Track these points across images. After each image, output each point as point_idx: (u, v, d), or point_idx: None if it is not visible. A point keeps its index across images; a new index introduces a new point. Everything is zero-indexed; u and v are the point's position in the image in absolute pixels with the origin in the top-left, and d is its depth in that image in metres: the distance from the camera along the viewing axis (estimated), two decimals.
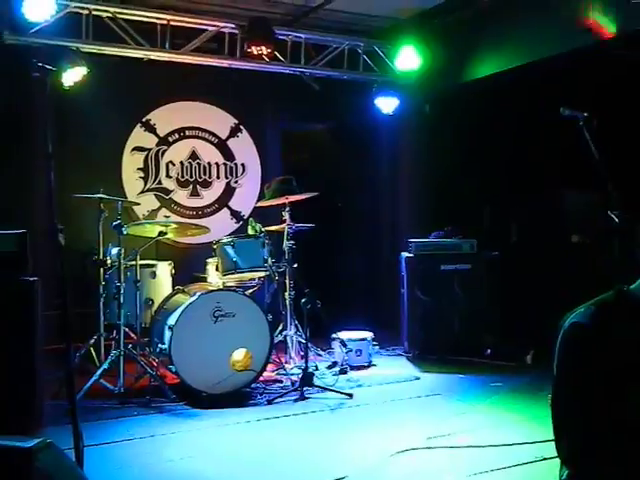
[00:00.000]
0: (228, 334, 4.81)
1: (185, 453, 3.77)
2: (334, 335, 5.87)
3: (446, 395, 4.90)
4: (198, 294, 4.86)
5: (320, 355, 5.85)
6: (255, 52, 6.02)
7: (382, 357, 6.15)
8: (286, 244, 5.53)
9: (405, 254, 6.24)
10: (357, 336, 5.87)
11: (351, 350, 5.69)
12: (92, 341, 5.19)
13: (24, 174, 5.70)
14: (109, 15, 5.74)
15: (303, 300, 4.95)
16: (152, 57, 6.02)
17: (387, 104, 6.97)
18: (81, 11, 5.61)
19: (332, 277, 6.99)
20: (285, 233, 5.53)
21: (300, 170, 7.18)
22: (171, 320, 4.79)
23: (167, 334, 4.76)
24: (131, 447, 3.90)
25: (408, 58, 6.76)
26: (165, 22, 5.92)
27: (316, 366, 5.59)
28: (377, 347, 6.04)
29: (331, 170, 7.47)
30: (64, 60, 5.61)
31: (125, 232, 4.86)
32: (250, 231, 5.41)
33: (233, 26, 6.17)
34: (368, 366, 5.80)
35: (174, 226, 5.23)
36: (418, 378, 5.43)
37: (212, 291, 4.95)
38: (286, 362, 5.50)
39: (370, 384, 5.25)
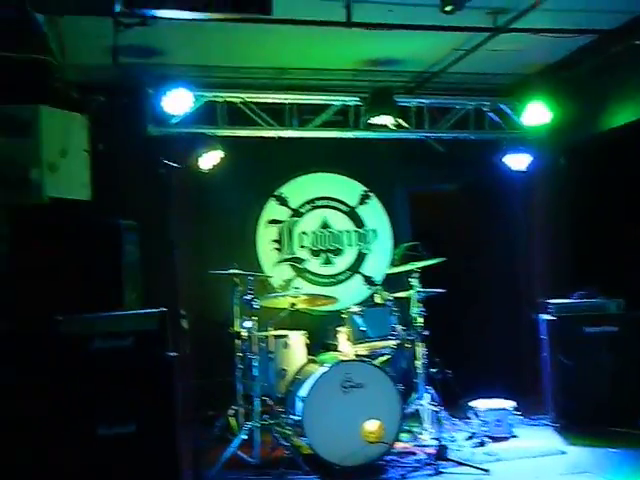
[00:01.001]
0: (358, 405, 4.80)
1: None
2: (471, 404, 5.66)
3: (595, 472, 4.52)
4: (329, 365, 4.91)
5: (457, 425, 5.63)
6: (378, 122, 6.16)
7: (525, 428, 5.78)
8: (415, 311, 5.46)
9: (545, 316, 5.93)
10: (496, 405, 5.61)
11: (487, 422, 5.43)
12: (231, 411, 5.39)
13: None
14: (241, 101, 6.16)
15: (433, 370, 4.84)
16: (282, 135, 6.34)
17: (517, 161, 6.79)
18: (216, 99, 6.06)
19: (467, 343, 6.77)
20: (412, 299, 5.48)
21: (430, 232, 7.14)
22: (303, 391, 4.86)
23: (299, 405, 4.83)
24: None
25: (537, 113, 6.56)
26: (291, 101, 6.25)
27: (452, 437, 5.40)
28: (519, 417, 5.71)
29: (462, 231, 7.34)
30: (202, 146, 6.08)
31: (255, 305, 5.06)
32: (377, 299, 5.42)
33: (357, 99, 6.37)
34: (509, 438, 5.49)
35: (303, 297, 5.37)
36: (564, 452, 5.05)
37: (342, 362, 4.98)
38: (420, 433, 5.36)
39: (510, 458, 4.96)
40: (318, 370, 4.92)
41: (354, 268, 7.08)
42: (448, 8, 4.41)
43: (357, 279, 7.06)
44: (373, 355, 5.43)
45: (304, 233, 6.98)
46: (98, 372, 4.28)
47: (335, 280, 7.02)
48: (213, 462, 4.79)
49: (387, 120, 6.18)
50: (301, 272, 6.90)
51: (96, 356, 4.33)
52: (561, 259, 6.74)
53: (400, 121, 6.44)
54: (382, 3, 4.81)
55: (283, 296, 5.47)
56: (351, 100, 6.41)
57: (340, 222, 7.09)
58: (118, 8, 4.22)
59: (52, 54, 5.17)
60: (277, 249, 6.88)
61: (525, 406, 5.97)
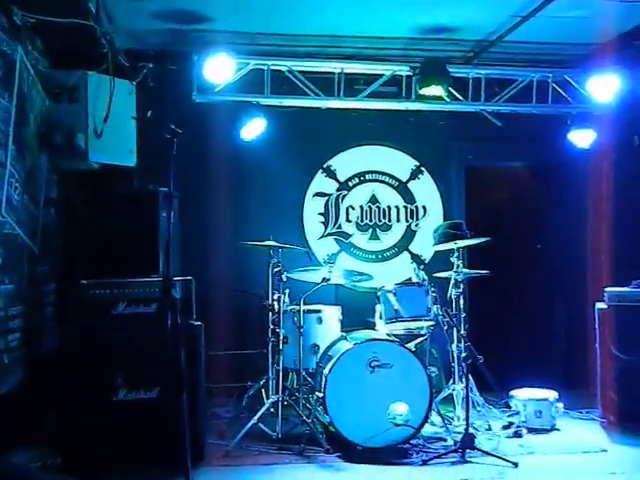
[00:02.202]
0: (385, 386, 4.66)
1: None
2: (511, 392, 5.39)
3: (634, 475, 4.19)
4: (354, 342, 4.78)
5: (494, 413, 5.38)
6: (429, 93, 5.88)
7: (570, 421, 5.45)
8: (454, 292, 5.23)
9: (600, 305, 5.55)
10: (538, 395, 5.31)
11: (526, 412, 5.15)
12: (261, 383, 5.36)
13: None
14: (287, 69, 6.02)
15: (463, 355, 4.62)
16: (329, 106, 6.17)
17: (583, 138, 6.34)
18: (261, 67, 5.95)
19: (510, 328, 6.45)
20: (452, 281, 5.24)
21: (485, 211, 6.83)
22: (326, 368, 4.76)
23: (322, 382, 4.73)
24: None
25: (606, 86, 6.11)
26: (339, 70, 6.05)
27: (489, 426, 5.17)
28: (564, 409, 5.39)
29: (520, 211, 6.97)
30: (247, 115, 6.00)
31: (285, 279, 4.97)
32: (414, 278, 5.21)
33: (408, 69, 6.10)
34: (550, 430, 5.18)
35: (337, 272, 5.23)
36: (605, 450, 4.72)
37: (369, 340, 4.83)
38: (453, 419, 5.16)
39: (545, 452, 4.69)
40: (344, 347, 4.80)
41: (402, 245, 6.87)
42: None
43: (404, 256, 6.84)
44: (408, 335, 5.26)
45: (351, 207, 6.81)
46: (120, 337, 4.33)
47: (381, 257, 6.83)
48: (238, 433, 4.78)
49: (439, 91, 5.88)
50: (346, 247, 6.76)
51: (119, 321, 4.39)
52: (625, 245, 6.26)
53: (453, 92, 6.13)
54: None
55: (314, 270, 5.33)
56: (403, 70, 6.14)
57: (389, 197, 6.87)
58: None
59: (98, 20, 5.18)
60: (323, 222, 6.75)
61: (573, 398, 5.65)
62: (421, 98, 6.08)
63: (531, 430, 5.13)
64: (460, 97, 6.27)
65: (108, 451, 4.18)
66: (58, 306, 5.44)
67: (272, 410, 4.97)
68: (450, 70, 5.90)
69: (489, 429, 5.13)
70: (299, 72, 6.03)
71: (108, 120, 5.43)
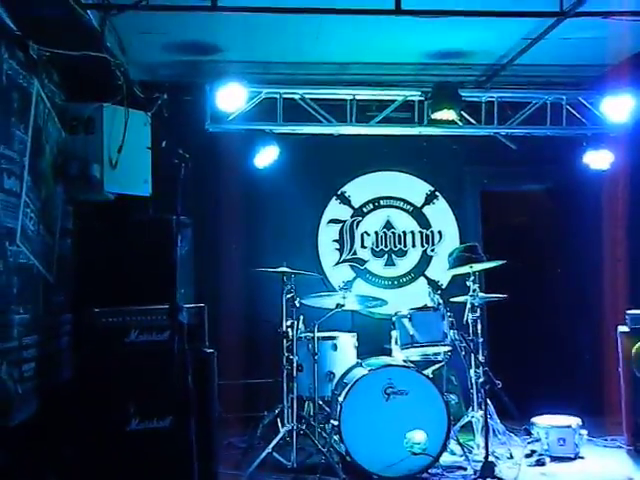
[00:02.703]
0: (401, 413, 4.58)
1: None
2: (533, 419, 5.25)
3: None
4: (369, 369, 4.71)
5: (515, 441, 5.24)
6: (441, 117, 5.87)
7: (595, 448, 5.31)
8: (470, 317, 5.14)
9: (622, 328, 5.43)
10: (560, 422, 5.17)
11: (548, 439, 5.01)
12: (276, 412, 5.29)
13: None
14: (299, 96, 6.05)
15: (481, 380, 4.52)
16: (342, 132, 6.18)
17: (599, 159, 6.27)
18: (273, 95, 5.99)
19: (533, 353, 6.32)
20: (468, 305, 5.16)
21: (501, 235, 6.76)
22: (341, 395, 4.68)
23: (338, 409, 4.65)
24: None
25: (621, 107, 6.05)
26: (351, 97, 6.07)
27: (510, 454, 5.03)
28: (588, 436, 5.23)
29: (536, 234, 6.88)
30: (260, 143, 6.04)
31: (298, 305, 4.93)
32: (429, 303, 5.14)
33: (420, 94, 6.11)
34: (574, 458, 5.04)
35: (352, 298, 5.18)
36: (632, 479, 4.56)
37: (384, 366, 4.76)
38: (473, 447, 5.03)
39: None
40: (360, 373, 4.73)
41: (418, 270, 6.80)
42: None
43: (421, 282, 6.77)
44: (424, 362, 5.16)
45: (366, 233, 6.78)
46: (133, 365, 4.30)
47: (397, 282, 6.77)
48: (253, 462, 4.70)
49: (451, 115, 5.87)
50: (362, 273, 6.71)
51: (131, 349, 4.36)
52: None
53: (466, 116, 6.12)
54: None
55: (328, 296, 5.29)
56: (415, 95, 6.15)
57: (404, 222, 6.84)
58: None
59: (110, 52, 5.27)
60: (338, 249, 6.73)
61: (597, 425, 5.49)
62: (434, 123, 6.08)
63: (554, 458, 5.00)
64: (473, 121, 6.27)
65: None
66: (73, 335, 5.44)
67: (287, 439, 4.89)
68: (462, 94, 5.90)
69: (510, 457, 5.00)
70: (311, 99, 6.08)
71: (123, 151, 5.48)
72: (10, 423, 4.07)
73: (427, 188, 6.88)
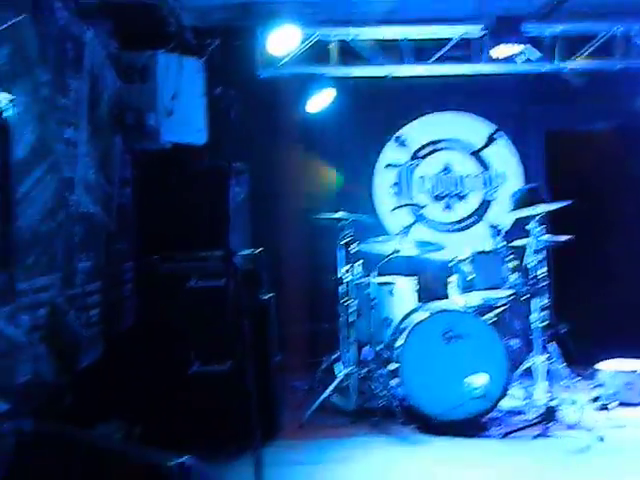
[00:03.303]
0: (461, 358, 4.52)
1: None
2: (598, 364, 5.12)
3: None
4: (428, 314, 4.65)
5: (579, 386, 5.11)
6: (503, 54, 5.61)
7: None
8: (532, 260, 4.98)
9: None
10: (628, 366, 5.02)
11: (615, 384, 4.87)
12: (335, 356, 5.32)
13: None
14: (354, 37, 5.87)
15: (544, 324, 4.40)
16: (397, 73, 6.00)
17: None
18: (326, 38, 5.83)
19: (600, 297, 6.11)
20: (531, 248, 4.99)
21: (567, 177, 6.49)
22: (400, 340, 4.66)
23: (396, 354, 4.63)
24: (348, 469, 3.86)
25: None
26: (406, 36, 5.85)
27: (574, 399, 4.92)
28: None
29: (604, 176, 6.57)
30: (313, 87, 5.92)
31: (353, 251, 4.88)
32: (490, 246, 5.00)
33: (479, 30, 5.83)
34: None
35: (410, 243, 5.09)
36: None
37: (443, 311, 4.69)
38: (533, 392, 4.94)
39: (636, 426, 4.43)
40: (418, 318, 4.68)
41: (478, 214, 6.64)
42: None
43: (481, 226, 6.61)
44: (485, 306, 5.06)
45: (424, 177, 6.63)
46: (193, 311, 4.38)
47: (456, 227, 6.63)
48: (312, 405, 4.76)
49: (514, 51, 5.60)
50: (420, 218, 6.60)
51: (191, 295, 4.43)
52: None
53: (529, 51, 5.82)
54: None
55: (385, 242, 5.21)
56: (473, 31, 5.88)
57: (464, 165, 6.65)
58: None
59: None
60: (395, 194, 6.61)
61: None
62: (494, 60, 5.81)
63: (620, 404, 4.85)
64: (536, 56, 5.94)
65: (184, 422, 4.25)
66: (135, 283, 5.57)
67: (346, 383, 4.92)
68: (524, 28, 5.60)
69: (574, 402, 4.88)
70: (365, 40, 5.88)
71: (178, 99, 5.47)
72: (77, 366, 4.23)
73: (488, 129, 6.65)
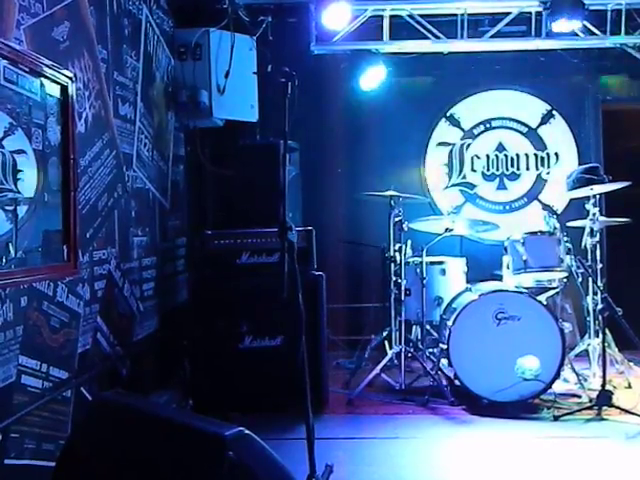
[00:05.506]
0: (513, 339, 4.46)
1: (444, 462, 3.60)
2: None
3: None
4: (479, 294, 4.60)
5: (634, 370, 5.01)
6: (562, 29, 5.45)
7: None
8: (589, 241, 4.87)
9: None
10: None
11: None
12: (384, 335, 5.32)
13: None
14: (407, 12, 5.79)
15: (600, 307, 4.31)
16: (452, 49, 5.89)
17: None
18: (380, 12, 5.76)
19: None
20: (587, 229, 4.88)
21: (626, 157, 6.30)
22: (450, 320, 4.62)
23: (446, 334, 4.61)
24: (395, 446, 3.87)
25: None
26: (462, 11, 5.73)
27: (629, 383, 4.83)
28: None
29: None
30: (366, 63, 5.87)
31: (406, 229, 4.85)
32: (544, 227, 4.91)
33: (537, 4, 5.67)
34: None
35: (461, 223, 5.03)
36: None
37: (495, 291, 4.63)
38: (588, 375, 4.86)
39: None
40: (469, 298, 4.64)
41: (532, 195, 6.50)
42: None
43: (534, 207, 6.47)
44: (538, 288, 4.98)
45: (477, 156, 6.52)
46: (245, 286, 4.43)
47: (509, 207, 6.51)
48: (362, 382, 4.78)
49: (574, 26, 5.43)
50: (472, 198, 6.51)
51: (243, 270, 4.48)
52: None
53: (589, 26, 5.64)
54: None
55: (437, 220, 5.16)
56: (532, 5, 5.71)
57: (517, 144, 6.50)
58: None
59: None
60: (447, 173, 6.53)
61: None
62: (553, 35, 5.65)
63: None
64: (597, 32, 5.76)
65: (236, 395, 4.33)
66: (188, 258, 5.67)
67: (395, 361, 4.93)
68: (585, 1, 5.41)
69: (629, 387, 4.80)
70: (419, 15, 5.79)
71: (230, 76, 5.50)
72: (133, 338, 4.34)
73: (543, 107, 6.47)
